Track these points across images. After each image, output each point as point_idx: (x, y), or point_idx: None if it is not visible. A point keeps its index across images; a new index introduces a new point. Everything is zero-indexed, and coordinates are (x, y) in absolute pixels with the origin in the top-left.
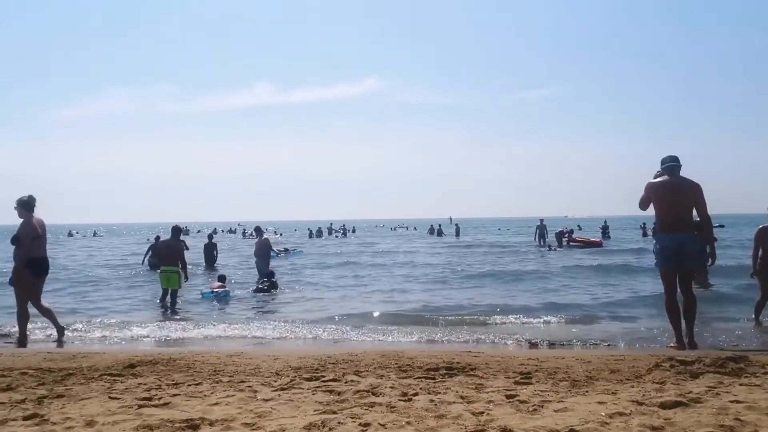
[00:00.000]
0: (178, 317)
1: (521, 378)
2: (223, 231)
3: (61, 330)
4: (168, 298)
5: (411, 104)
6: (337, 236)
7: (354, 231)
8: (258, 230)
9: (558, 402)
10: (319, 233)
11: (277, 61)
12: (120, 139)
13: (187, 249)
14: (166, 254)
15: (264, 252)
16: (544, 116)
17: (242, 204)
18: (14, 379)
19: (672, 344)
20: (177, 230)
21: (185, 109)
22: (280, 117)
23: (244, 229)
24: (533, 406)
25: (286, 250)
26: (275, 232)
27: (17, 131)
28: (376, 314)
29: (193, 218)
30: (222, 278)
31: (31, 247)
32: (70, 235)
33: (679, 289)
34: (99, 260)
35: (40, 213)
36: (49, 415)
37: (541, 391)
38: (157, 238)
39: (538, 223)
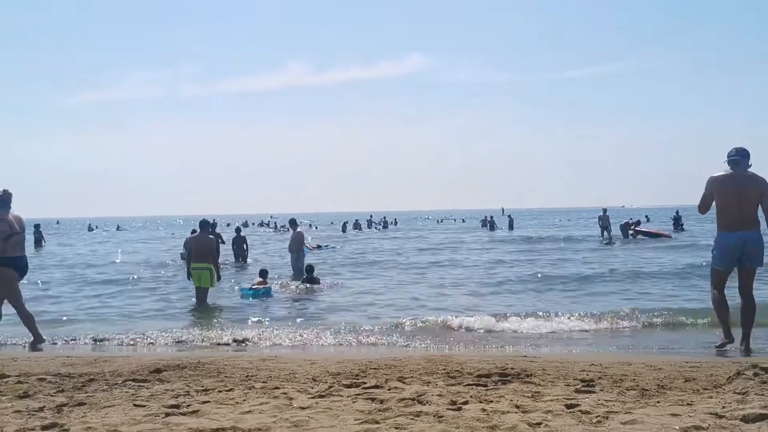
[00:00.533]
0: (208, 317)
1: (583, 386)
2: (253, 224)
3: (39, 339)
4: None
5: (459, 83)
6: (377, 229)
7: (396, 223)
8: (292, 223)
9: (625, 413)
10: (357, 226)
11: (312, 37)
12: (140, 127)
13: (224, 243)
14: (196, 250)
15: (298, 246)
16: (610, 95)
17: (274, 195)
18: (31, 385)
19: (720, 342)
20: (206, 224)
21: (211, 92)
22: (316, 100)
23: (275, 222)
24: (597, 417)
25: (319, 246)
26: (310, 225)
27: (32, 119)
28: (421, 317)
29: (222, 210)
30: (264, 273)
31: (5, 246)
32: (90, 229)
33: (739, 291)
34: (123, 257)
35: (16, 209)
36: (70, 425)
37: (606, 400)
38: (194, 231)
39: (600, 214)
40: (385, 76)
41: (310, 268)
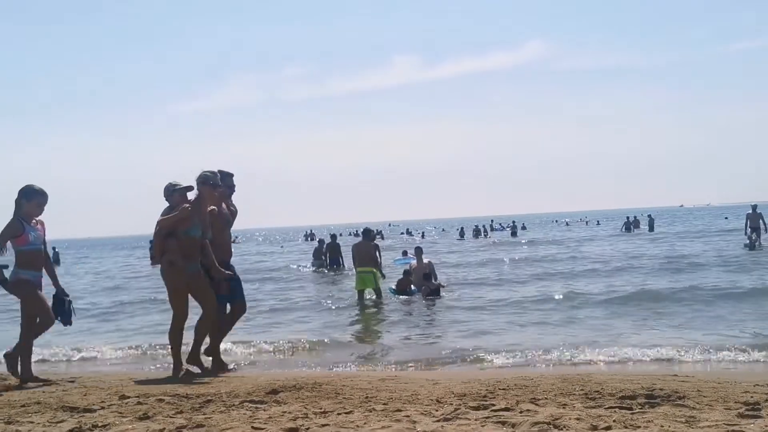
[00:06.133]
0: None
1: (747, 409)
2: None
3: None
4: (366, 300)
5: (584, 70)
6: (484, 235)
7: (524, 228)
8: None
9: None
10: (477, 233)
11: (421, 29)
12: (247, 132)
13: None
14: (360, 256)
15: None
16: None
17: (389, 202)
18: (150, 406)
19: None
20: (369, 232)
21: (316, 94)
22: (426, 95)
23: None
24: None
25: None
26: (423, 235)
27: (139, 128)
28: (553, 331)
29: (329, 220)
30: (407, 273)
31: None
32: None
33: None
34: (252, 266)
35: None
36: None
37: None
38: (320, 240)
39: (749, 212)
40: (500, 67)
41: (429, 275)
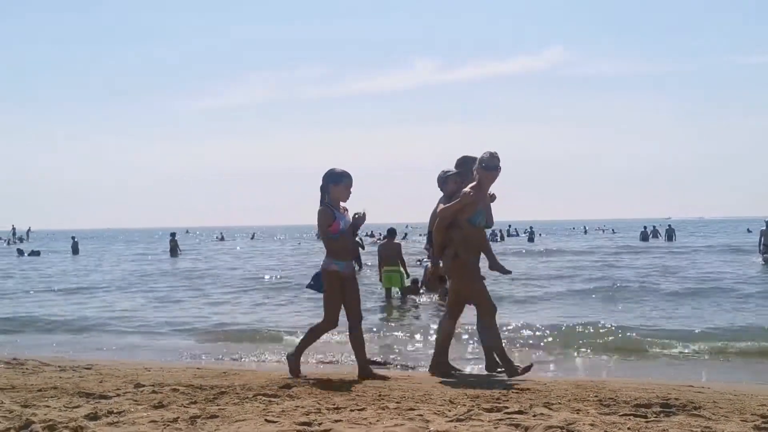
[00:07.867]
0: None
1: (763, 422)
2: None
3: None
4: (394, 298)
5: (605, 77)
6: (495, 240)
7: (540, 235)
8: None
9: None
10: (494, 237)
11: (440, 32)
12: (262, 131)
13: (363, 248)
14: (386, 255)
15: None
16: None
17: (407, 202)
18: (165, 395)
19: None
20: (393, 232)
21: (334, 94)
22: (445, 99)
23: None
24: None
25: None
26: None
27: (150, 127)
28: (572, 334)
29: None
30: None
31: None
32: (221, 239)
33: None
34: (261, 265)
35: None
36: None
37: None
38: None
39: (763, 227)
40: (518, 72)
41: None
